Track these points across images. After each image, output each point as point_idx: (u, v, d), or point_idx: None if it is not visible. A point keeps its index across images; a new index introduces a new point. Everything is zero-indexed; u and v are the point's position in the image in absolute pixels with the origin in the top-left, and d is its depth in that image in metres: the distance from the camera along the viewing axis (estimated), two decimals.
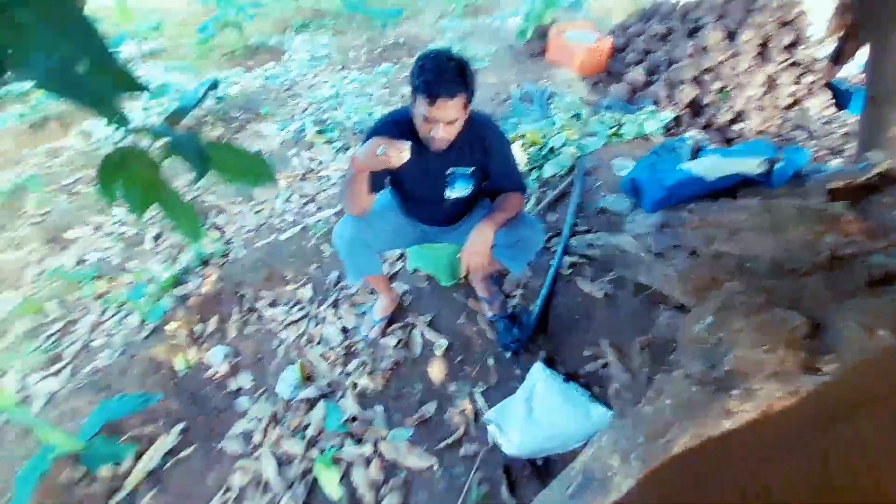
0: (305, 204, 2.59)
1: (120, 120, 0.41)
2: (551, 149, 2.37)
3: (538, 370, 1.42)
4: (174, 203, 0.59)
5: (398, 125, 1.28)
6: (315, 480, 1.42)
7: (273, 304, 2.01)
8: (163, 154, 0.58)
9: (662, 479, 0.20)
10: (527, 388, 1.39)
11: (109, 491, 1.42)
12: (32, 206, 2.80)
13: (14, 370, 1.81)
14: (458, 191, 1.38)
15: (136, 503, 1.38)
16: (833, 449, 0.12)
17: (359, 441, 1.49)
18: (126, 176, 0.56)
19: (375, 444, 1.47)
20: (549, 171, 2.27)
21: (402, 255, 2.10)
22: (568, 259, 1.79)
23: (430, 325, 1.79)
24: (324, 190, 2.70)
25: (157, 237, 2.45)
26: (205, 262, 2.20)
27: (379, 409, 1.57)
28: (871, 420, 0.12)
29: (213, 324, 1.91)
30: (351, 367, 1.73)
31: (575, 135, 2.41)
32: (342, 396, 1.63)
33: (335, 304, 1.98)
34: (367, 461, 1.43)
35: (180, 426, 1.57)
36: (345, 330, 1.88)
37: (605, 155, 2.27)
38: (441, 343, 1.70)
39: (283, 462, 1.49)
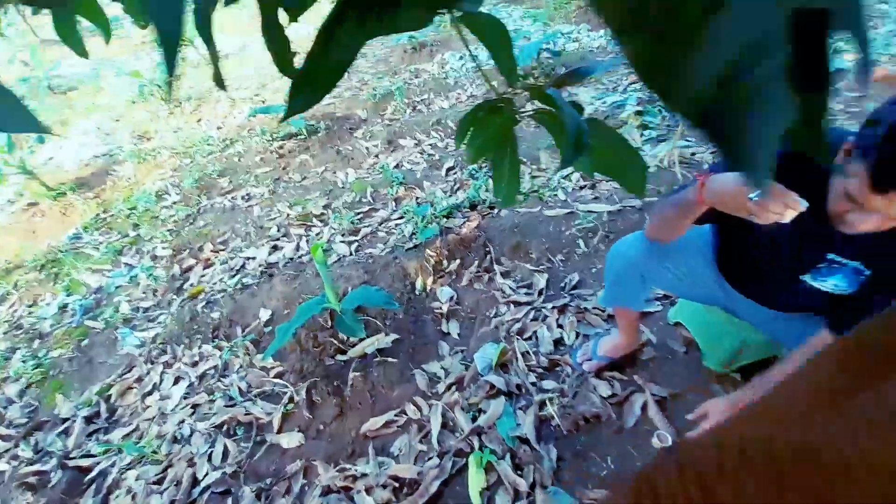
0: (583, 188, 2.32)
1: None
2: None
3: None
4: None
5: (796, 163, 0.78)
6: (465, 467, 1.35)
7: (506, 275, 1.95)
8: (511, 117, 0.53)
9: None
10: None
11: (335, 352, 1.77)
12: (390, 111, 3.64)
13: (329, 229, 2.46)
14: (826, 284, 0.95)
15: (345, 374, 1.67)
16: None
17: (518, 469, 1.31)
18: (479, 125, 0.55)
19: (532, 487, 1.27)
20: None
21: (667, 296, 1.63)
22: None
23: (661, 405, 1.34)
24: (608, 180, 2.34)
25: (450, 168, 2.75)
26: (473, 206, 2.32)
27: (553, 452, 1.33)
28: None
29: (455, 265, 2.02)
30: (547, 384, 1.52)
31: None
32: (525, 408, 1.46)
33: (563, 309, 1.74)
34: (516, 497, 1.25)
35: (395, 336, 1.77)
36: (559, 342, 1.65)
37: None
38: (664, 435, 1.25)
39: (446, 426, 1.49)
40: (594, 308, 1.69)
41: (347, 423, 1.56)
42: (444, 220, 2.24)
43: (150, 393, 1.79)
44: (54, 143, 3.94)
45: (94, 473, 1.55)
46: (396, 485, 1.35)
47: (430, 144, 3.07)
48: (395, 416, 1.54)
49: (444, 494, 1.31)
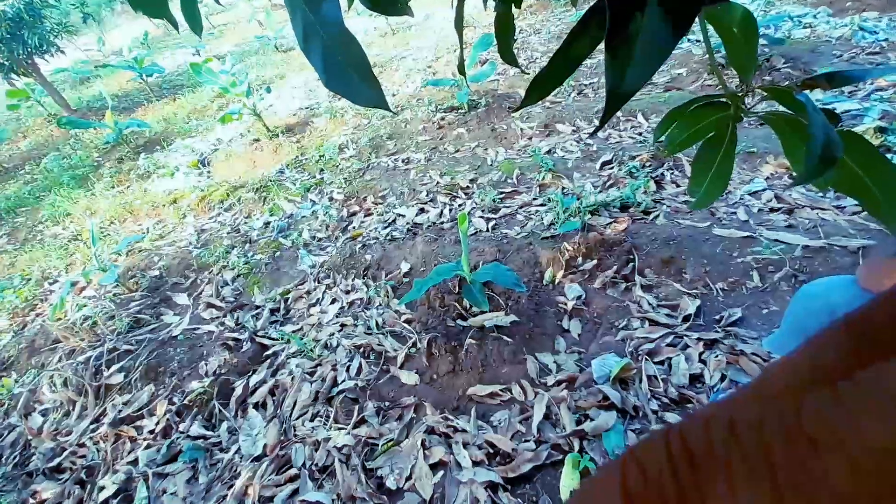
0: (774, 211, 1.94)
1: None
2: None
3: None
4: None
5: None
6: (560, 462, 1.38)
7: (648, 289, 1.80)
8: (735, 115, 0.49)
9: None
10: None
11: (457, 316, 1.92)
12: (562, 97, 3.54)
13: (472, 203, 2.59)
14: None
15: (462, 338, 1.81)
16: None
17: None
18: (687, 119, 0.54)
19: None
20: None
21: None
22: None
23: None
24: (809, 207, 1.90)
25: (606, 162, 2.59)
26: (624, 208, 2.17)
27: None
28: None
29: (590, 264, 1.95)
30: (670, 417, 1.41)
31: None
32: (638, 432, 1.39)
33: (711, 344, 1.55)
34: None
35: (515, 318, 1.83)
36: (696, 378, 1.48)
37: None
38: None
39: (548, 418, 1.51)
40: (753, 353, 1.46)
41: (457, 381, 1.72)
42: (589, 216, 2.15)
43: (314, 304, 2.24)
44: (275, 93, 4.95)
45: (270, 351, 2.05)
46: (491, 451, 1.45)
47: (589, 133, 2.91)
48: (501, 390, 1.63)
49: (534, 479, 1.36)
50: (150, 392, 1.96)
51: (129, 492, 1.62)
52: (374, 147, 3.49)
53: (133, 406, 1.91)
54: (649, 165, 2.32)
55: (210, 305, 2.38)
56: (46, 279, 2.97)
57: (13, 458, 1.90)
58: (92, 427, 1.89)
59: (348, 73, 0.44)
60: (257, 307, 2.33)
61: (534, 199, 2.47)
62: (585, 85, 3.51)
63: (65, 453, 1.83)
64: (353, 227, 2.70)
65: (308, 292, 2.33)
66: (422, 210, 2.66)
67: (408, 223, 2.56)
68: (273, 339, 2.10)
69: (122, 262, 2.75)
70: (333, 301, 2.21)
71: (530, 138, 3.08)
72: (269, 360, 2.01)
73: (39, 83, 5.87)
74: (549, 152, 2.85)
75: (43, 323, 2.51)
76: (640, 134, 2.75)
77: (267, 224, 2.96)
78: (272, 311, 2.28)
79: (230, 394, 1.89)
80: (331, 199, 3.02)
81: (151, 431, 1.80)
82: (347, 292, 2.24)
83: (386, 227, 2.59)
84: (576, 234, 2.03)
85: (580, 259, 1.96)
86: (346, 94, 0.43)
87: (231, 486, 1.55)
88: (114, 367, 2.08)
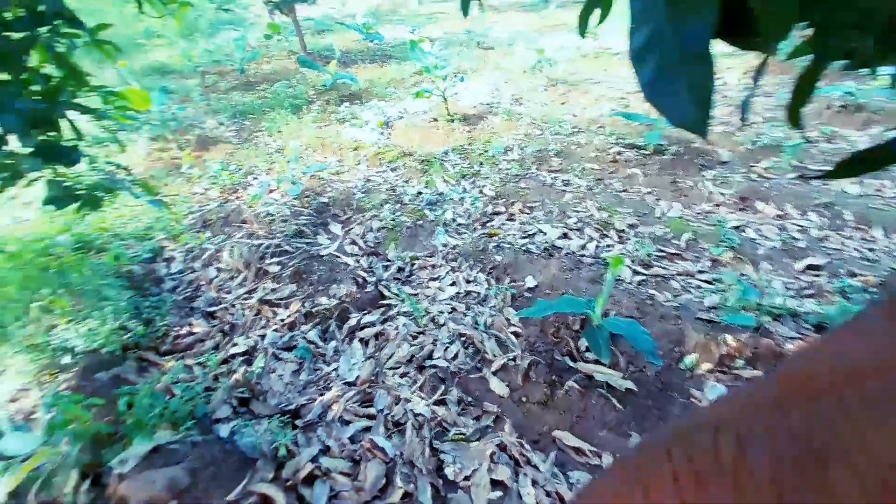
0: None
1: None
2: None
3: None
4: None
5: None
6: None
7: None
8: None
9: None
10: None
11: (567, 352, 1.83)
12: (766, 165, 3.09)
13: (622, 248, 2.43)
14: None
15: (564, 377, 1.72)
16: None
17: None
18: None
19: None
20: None
21: None
22: None
23: None
24: None
25: (813, 266, 2.17)
26: (819, 328, 1.80)
27: None
28: None
29: (749, 372, 1.68)
30: None
31: None
32: None
33: None
34: None
35: (632, 385, 1.67)
36: None
37: None
38: None
39: None
40: None
41: (545, 416, 1.65)
42: (770, 319, 1.83)
43: (434, 279, 2.39)
44: (466, 83, 5.32)
45: (386, 302, 2.25)
46: (558, 502, 1.36)
47: (800, 226, 2.47)
48: (591, 452, 1.51)
49: None
50: (291, 290, 2.33)
51: (251, 357, 1.96)
52: (539, 159, 3.52)
53: (276, 294, 2.30)
54: (874, 292, 1.87)
55: (354, 243, 2.71)
56: (250, 174, 3.73)
57: (186, 292, 2.45)
58: (244, 296, 2.33)
59: (681, 94, 0.44)
60: (388, 260, 2.58)
61: (699, 271, 2.21)
62: (815, 167, 2.98)
63: (220, 306, 2.30)
64: (493, 226, 2.78)
65: (434, 266, 2.48)
66: (565, 235, 2.60)
67: (547, 242, 2.53)
68: (392, 293, 2.30)
69: (304, 182, 3.30)
70: (453, 284, 2.32)
71: (718, 205, 2.76)
72: (383, 309, 2.21)
73: (292, 24, 7.32)
74: (737, 228, 2.51)
75: (239, 205, 3.16)
76: (872, 251, 2.22)
77: (419, 194, 3.23)
78: (399, 269, 2.49)
79: (345, 321, 2.14)
80: (481, 192, 3.15)
81: (282, 320, 2.14)
82: (468, 281, 2.32)
83: (524, 238, 2.60)
84: (744, 332, 1.75)
85: (740, 362, 1.69)
86: (665, 110, 0.43)
87: (322, 394, 1.76)
88: (273, 259, 2.53)
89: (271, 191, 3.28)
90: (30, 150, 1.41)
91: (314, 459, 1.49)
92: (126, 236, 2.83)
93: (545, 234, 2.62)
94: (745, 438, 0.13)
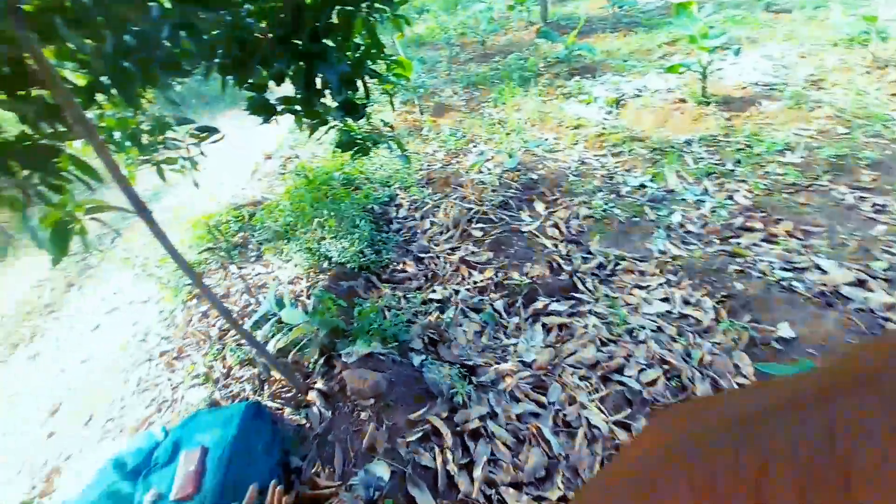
0: None
1: None
2: None
3: None
4: None
5: None
6: None
7: None
8: None
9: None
10: None
11: None
12: None
13: None
14: None
15: None
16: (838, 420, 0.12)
17: None
18: None
19: None
20: None
21: None
22: None
23: None
24: None
25: None
26: None
27: None
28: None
29: None
30: None
31: None
32: None
33: None
34: None
35: None
36: None
37: None
38: None
39: None
40: None
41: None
42: None
43: (641, 287, 2.08)
44: (740, 58, 4.23)
45: (577, 295, 2.10)
46: None
47: None
48: None
49: None
50: (488, 257, 2.44)
51: (444, 306, 2.17)
52: (836, 168, 2.53)
53: (475, 258, 2.46)
54: None
55: (556, 226, 2.61)
56: (471, 142, 4.02)
57: (406, 236, 2.87)
58: (449, 251, 2.59)
59: None
60: (589, 253, 2.38)
61: None
62: None
63: (428, 254, 2.62)
64: (739, 244, 2.18)
65: (643, 273, 2.16)
66: (861, 283, 1.82)
67: (826, 284, 1.83)
68: (587, 288, 2.13)
69: (520, 156, 3.34)
70: (665, 300, 1.97)
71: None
72: (573, 302, 2.08)
73: None
74: None
75: (458, 168, 3.47)
76: None
77: (642, 187, 2.82)
78: (599, 265, 2.27)
79: (532, 301, 2.12)
80: (731, 197, 2.51)
81: (475, 282, 2.28)
82: (687, 303, 1.92)
83: (787, 270, 1.95)
84: None
85: None
86: None
87: (499, 363, 1.81)
88: (478, 224, 2.69)
89: (487, 160, 3.47)
90: (335, 104, 1.84)
91: (482, 419, 1.56)
92: (375, 181, 3.51)
93: (825, 272, 1.89)
94: (767, 455, 0.12)
